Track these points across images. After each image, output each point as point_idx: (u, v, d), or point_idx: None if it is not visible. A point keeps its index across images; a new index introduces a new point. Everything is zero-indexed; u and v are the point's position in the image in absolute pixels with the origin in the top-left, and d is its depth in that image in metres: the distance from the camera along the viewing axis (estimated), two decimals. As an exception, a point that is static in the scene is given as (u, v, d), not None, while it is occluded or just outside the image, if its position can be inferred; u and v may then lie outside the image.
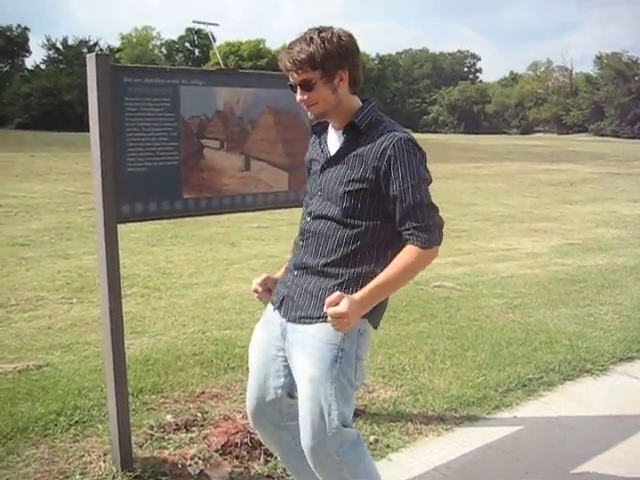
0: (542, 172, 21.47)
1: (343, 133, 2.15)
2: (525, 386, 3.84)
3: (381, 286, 2.05)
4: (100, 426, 3.21)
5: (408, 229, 2.05)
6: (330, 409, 2.10)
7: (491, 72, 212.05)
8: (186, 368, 4.00)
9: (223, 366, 4.03)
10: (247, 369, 3.88)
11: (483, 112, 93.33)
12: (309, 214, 2.22)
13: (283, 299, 2.23)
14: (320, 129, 2.26)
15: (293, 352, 2.18)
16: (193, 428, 3.18)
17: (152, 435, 3.11)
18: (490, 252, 8.13)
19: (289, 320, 2.19)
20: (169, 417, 3.29)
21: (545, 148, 39.19)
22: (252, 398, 2.39)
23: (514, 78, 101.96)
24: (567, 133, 78.19)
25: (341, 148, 2.14)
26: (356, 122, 2.11)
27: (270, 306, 2.32)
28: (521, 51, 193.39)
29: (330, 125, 2.22)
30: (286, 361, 2.24)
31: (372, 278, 2.07)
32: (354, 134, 2.12)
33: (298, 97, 2.11)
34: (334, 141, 2.19)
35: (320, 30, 2.06)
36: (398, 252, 2.08)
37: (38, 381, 3.78)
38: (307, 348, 2.12)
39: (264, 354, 2.32)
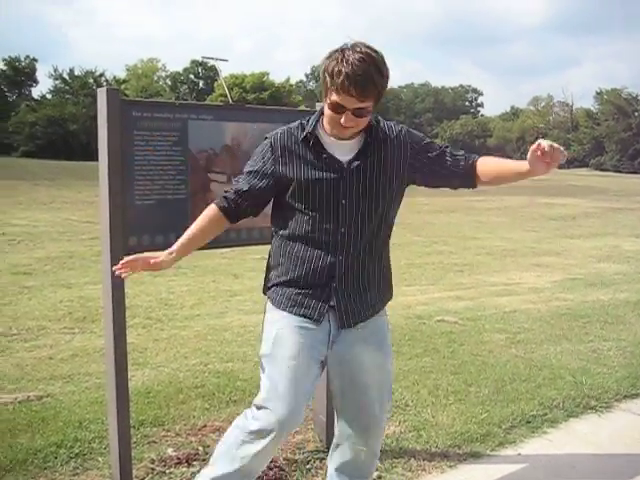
0: (544, 206, 21.54)
1: (363, 139, 2.24)
2: (529, 423, 3.80)
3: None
4: (100, 459, 3.18)
5: (462, 154, 2.39)
6: (390, 385, 2.54)
7: (492, 106, 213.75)
8: (188, 401, 3.97)
9: (225, 399, 4.01)
10: (249, 402, 3.88)
11: (484, 146, 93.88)
12: (335, 230, 2.24)
13: (328, 313, 2.32)
14: (312, 142, 2.23)
15: (353, 350, 2.37)
16: (195, 462, 3.15)
17: (153, 469, 3.08)
18: (492, 286, 8.12)
19: (344, 327, 2.33)
20: (170, 451, 3.26)
21: (546, 182, 39.25)
22: (292, 402, 2.28)
23: (515, 113, 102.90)
24: (568, 167, 78.30)
25: (364, 152, 2.23)
26: (378, 127, 2.27)
27: (294, 318, 2.33)
28: (522, 86, 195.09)
29: (324, 136, 2.23)
30: (321, 368, 2.38)
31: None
32: (372, 139, 2.24)
33: (344, 120, 2.11)
34: (347, 149, 2.23)
35: (381, 56, 2.09)
36: None
37: (38, 412, 3.75)
38: (371, 339, 2.39)
39: (309, 357, 2.32)
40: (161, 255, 2.27)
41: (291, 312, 2.32)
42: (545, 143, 2.06)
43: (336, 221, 2.23)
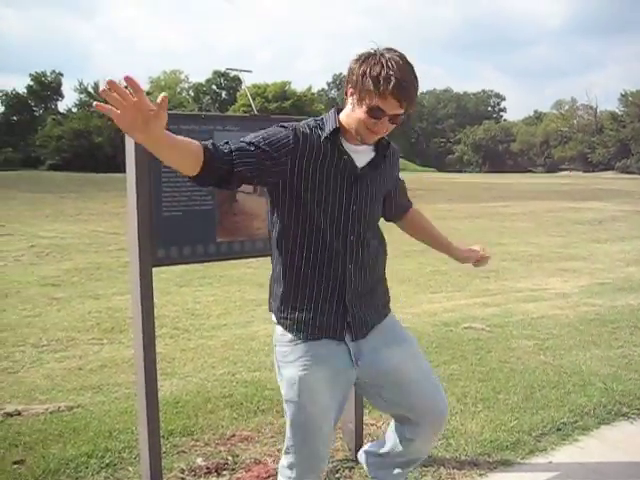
0: (569, 211, 21.31)
1: (374, 150, 2.25)
2: (559, 430, 3.76)
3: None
4: (131, 469, 3.21)
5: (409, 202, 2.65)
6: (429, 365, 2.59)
7: (515, 111, 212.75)
8: (216, 410, 3.99)
9: (253, 409, 4.02)
10: (277, 412, 3.91)
11: (508, 151, 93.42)
12: (344, 237, 2.19)
13: (344, 328, 2.25)
14: (336, 142, 2.16)
15: (381, 357, 2.31)
16: (224, 472, 3.16)
17: (183, 479, 3.10)
18: (519, 292, 8.05)
19: (359, 338, 2.28)
20: (200, 460, 3.28)
21: (571, 186, 38.96)
22: (323, 451, 2.33)
23: (538, 117, 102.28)
24: (593, 171, 77.75)
25: (374, 163, 2.24)
26: (383, 139, 2.26)
27: (314, 346, 2.21)
28: (545, 90, 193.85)
29: (342, 139, 2.18)
30: (350, 388, 2.37)
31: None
32: (382, 151, 2.26)
33: (380, 126, 2.08)
34: (360, 155, 2.20)
35: (411, 64, 2.07)
36: None
37: (69, 422, 3.80)
38: (389, 337, 2.38)
39: (339, 390, 2.28)
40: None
41: (312, 339, 2.20)
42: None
43: (346, 228, 2.18)
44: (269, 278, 2.38)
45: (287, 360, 2.23)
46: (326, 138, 2.12)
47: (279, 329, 2.27)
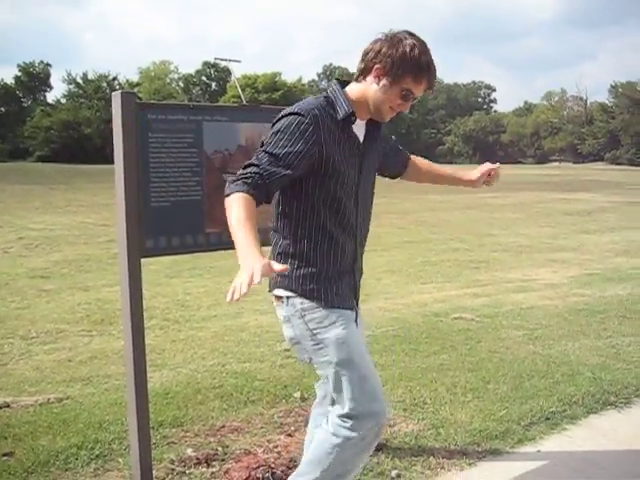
0: (559, 202, 21.40)
1: (374, 130, 2.33)
2: (548, 419, 3.78)
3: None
4: (121, 460, 3.20)
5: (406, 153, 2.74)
6: None
7: (505, 102, 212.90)
8: (206, 401, 3.99)
9: (243, 399, 4.02)
10: (267, 402, 3.92)
11: (498, 142, 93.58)
12: (347, 215, 2.27)
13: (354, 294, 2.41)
14: (348, 121, 2.23)
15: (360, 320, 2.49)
16: (214, 462, 3.16)
17: (173, 469, 3.10)
18: (509, 283, 8.08)
19: (358, 305, 2.45)
20: (190, 451, 3.28)
21: (561, 177, 39.12)
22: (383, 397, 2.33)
23: (529, 108, 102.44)
24: (583, 162, 78.08)
25: (368, 137, 2.31)
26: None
27: (346, 312, 2.31)
28: (535, 81, 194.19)
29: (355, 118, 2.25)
30: None
31: None
32: (375, 125, 2.33)
33: (404, 106, 2.22)
34: (358, 129, 2.28)
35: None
36: None
37: (59, 414, 3.78)
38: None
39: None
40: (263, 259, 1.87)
41: (340, 306, 2.28)
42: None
43: (355, 202, 2.28)
44: (274, 257, 2.34)
45: (325, 324, 2.24)
46: (343, 119, 2.19)
47: (302, 301, 2.26)
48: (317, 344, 2.25)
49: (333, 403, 2.33)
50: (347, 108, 2.17)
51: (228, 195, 2.03)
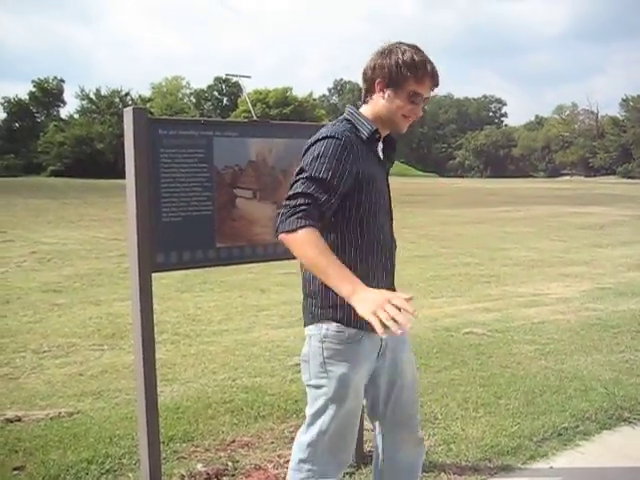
0: (571, 215, 21.31)
1: (390, 146, 2.35)
2: (561, 435, 3.75)
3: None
4: (131, 475, 3.20)
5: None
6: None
7: (516, 116, 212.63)
8: (216, 416, 3.98)
9: (254, 414, 4.01)
10: (278, 417, 3.92)
11: (509, 156, 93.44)
12: (382, 231, 2.26)
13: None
14: (373, 139, 2.25)
15: (397, 348, 2.37)
16: (224, 478, 3.16)
17: (183, 484, 3.09)
18: (520, 297, 8.04)
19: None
20: (200, 466, 3.27)
21: (573, 191, 38.98)
22: (352, 447, 2.41)
23: (540, 122, 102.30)
24: (594, 176, 77.79)
25: (385, 155, 2.34)
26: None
27: (363, 342, 2.22)
28: (545, 95, 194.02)
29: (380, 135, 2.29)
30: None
31: None
32: (390, 142, 2.35)
33: (416, 110, 2.24)
34: (379, 149, 2.32)
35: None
36: None
37: (69, 428, 3.79)
38: (405, 344, 2.41)
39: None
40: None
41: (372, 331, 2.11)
42: None
43: (385, 218, 2.28)
44: (306, 285, 2.26)
45: (338, 358, 2.20)
46: (369, 137, 2.22)
47: (334, 326, 2.19)
48: (324, 373, 2.23)
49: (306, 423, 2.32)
50: (370, 126, 2.20)
51: (293, 231, 1.94)
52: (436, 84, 2.22)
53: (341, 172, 2.06)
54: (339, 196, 2.07)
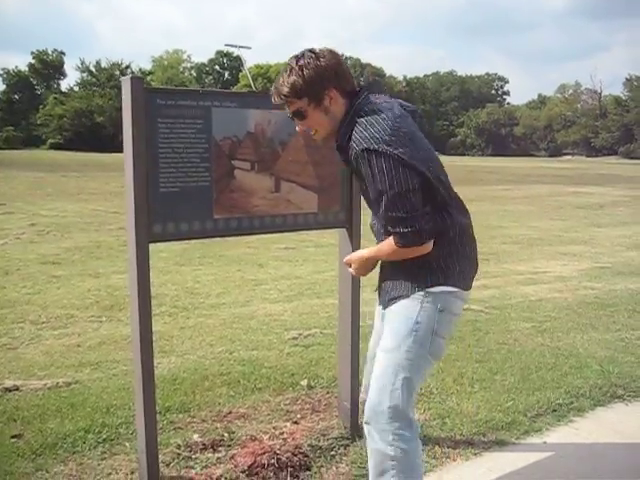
0: (571, 195, 21.28)
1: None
2: (555, 411, 3.77)
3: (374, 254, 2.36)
4: (127, 444, 3.23)
5: (387, 230, 2.23)
6: (396, 378, 2.26)
7: (519, 95, 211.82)
8: (213, 388, 4.01)
9: (250, 386, 4.03)
10: (274, 390, 3.96)
11: (511, 134, 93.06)
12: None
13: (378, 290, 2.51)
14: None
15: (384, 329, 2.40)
16: (220, 448, 3.18)
17: (179, 454, 3.12)
18: (518, 275, 8.05)
19: (384, 307, 2.42)
20: (196, 436, 3.30)
21: (574, 171, 38.88)
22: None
23: (542, 101, 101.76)
24: (596, 156, 77.56)
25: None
26: (341, 144, 2.23)
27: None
28: (549, 74, 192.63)
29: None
30: None
31: None
32: (342, 152, 2.26)
33: (297, 128, 2.28)
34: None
35: (298, 57, 2.16)
36: None
37: (67, 398, 3.82)
38: (389, 323, 2.35)
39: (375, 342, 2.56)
40: None
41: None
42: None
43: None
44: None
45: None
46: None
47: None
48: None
49: None
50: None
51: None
52: (277, 97, 2.22)
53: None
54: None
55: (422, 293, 2.26)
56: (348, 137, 2.16)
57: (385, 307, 2.40)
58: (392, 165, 2.06)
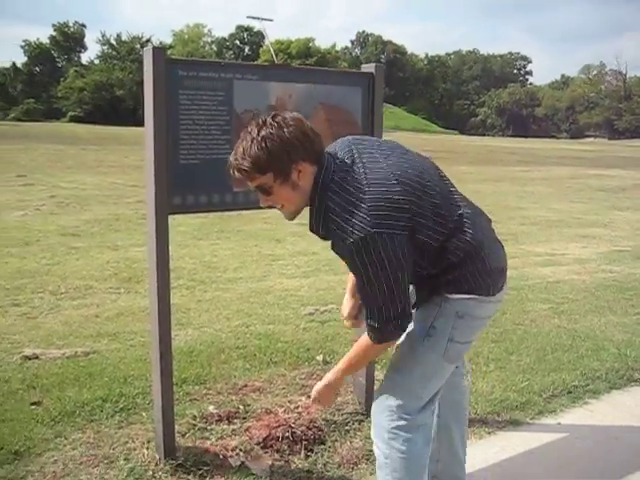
0: (592, 177, 21.05)
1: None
2: (570, 393, 3.77)
3: (343, 369, 2.21)
4: (144, 414, 3.27)
5: (367, 322, 2.05)
6: (403, 379, 2.18)
7: (542, 75, 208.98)
8: (229, 361, 4.04)
9: (266, 360, 4.06)
10: (290, 364, 3.97)
11: (532, 115, 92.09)
12: None
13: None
14: None
15: None
16: (235, 420, 3.21)
17: (195, 425, 3.15)
18: (537, 256, 8.00)
19: None
20: (212, 408, 3.33)
21: (596, 153, 38.44)
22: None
23: (565, 81, 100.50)
24: (619, 138, 76.51)
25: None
26: (313, 231, 2.06)
27: None
28: (573, 54, 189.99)
29: None
30: None
31: None
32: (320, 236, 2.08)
33: (261, 203, 2.06)
34: None
35: (260, 126, 1.92)
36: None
37: (85, 367, 3.87)
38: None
39: None
40: None
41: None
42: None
43: None
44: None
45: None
46: None
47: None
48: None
49: None
50: None
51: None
52: (235, 172, 1.97)
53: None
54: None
55: (441, 298, 2.14)
56: (323, 227, 2.00)
57: None
58: (378, 252, 1.89)
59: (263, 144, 1.88)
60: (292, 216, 2.09)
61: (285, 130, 1.90)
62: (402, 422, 2.15)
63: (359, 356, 2.15)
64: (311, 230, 2.06)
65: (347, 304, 2.45)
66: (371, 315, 2.01)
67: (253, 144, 1.89)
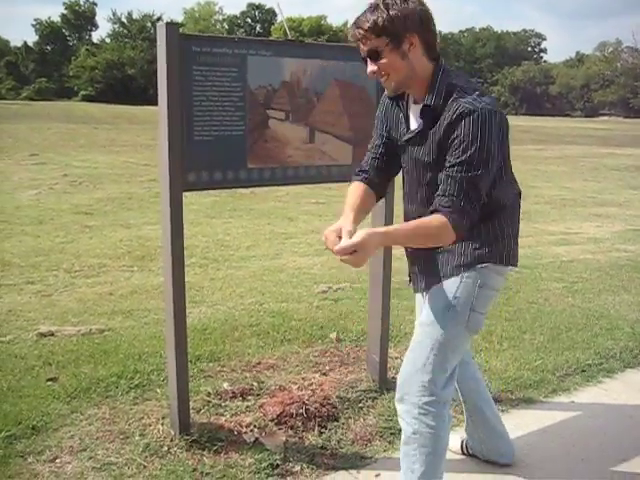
0: (607, 156, 20.85)
1: (421, 115, 2.10)
2: (584, 371, 3.76)
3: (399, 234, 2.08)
4: (159, 390, 3.29)
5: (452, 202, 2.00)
6: (430, 352, 2.18)
7: (556, 52, 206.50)
8: (243, 338, 4.06)
9: (279, 338, 4.08)
10: (303, 342, 3.98)
11: (546, 93, 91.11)
12: (414, 200, 2.27)
13: (412, 279, 2.42)
14: (397, 97, 2.19)
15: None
16: (249, 397, 3.23)
17: (209, 402, 3.17)
18: (550, 235, 7.96)
19: (422, 291, 2.35)
20: (226, 385, 3.35)
21: (610, 132, 38.02)
22: None
23: (580, 59, 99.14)
24: (634, 117, 75.59)
25: (420, 130, 2.11)
26: (430, 105, 2.05)
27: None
28: (588, 30, 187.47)
29: (410, 96, 2.17)
30: None
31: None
32: (430, 115, 2.07)
33: (369, 68, 2.06)
34: (415, 116, 2.15)
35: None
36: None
37: (100, 344, 3.89)
38: (429, 299, 2.26)
39: None
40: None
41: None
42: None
43: (415, 188, 2.27)
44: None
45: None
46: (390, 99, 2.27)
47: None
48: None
49: None
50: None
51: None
52: (356, 40, 2.06)
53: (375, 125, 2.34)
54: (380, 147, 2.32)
55: (462, 269, 2.17)
56: (442, 100, 2.03)
57: (427, 289, 2.29)
58: (497, 132, 2.00)
59: (385, 9, 1.98)
60: (395, 88, 2.10)
61: (409, 2, 2.00)
62: (433, 398, 2.18)
63: (420, 229, 2.03)
64: (422, 108, 2.09)
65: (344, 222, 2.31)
66: (462, 194, 1.99)
67: (376, 10, 2.00)
